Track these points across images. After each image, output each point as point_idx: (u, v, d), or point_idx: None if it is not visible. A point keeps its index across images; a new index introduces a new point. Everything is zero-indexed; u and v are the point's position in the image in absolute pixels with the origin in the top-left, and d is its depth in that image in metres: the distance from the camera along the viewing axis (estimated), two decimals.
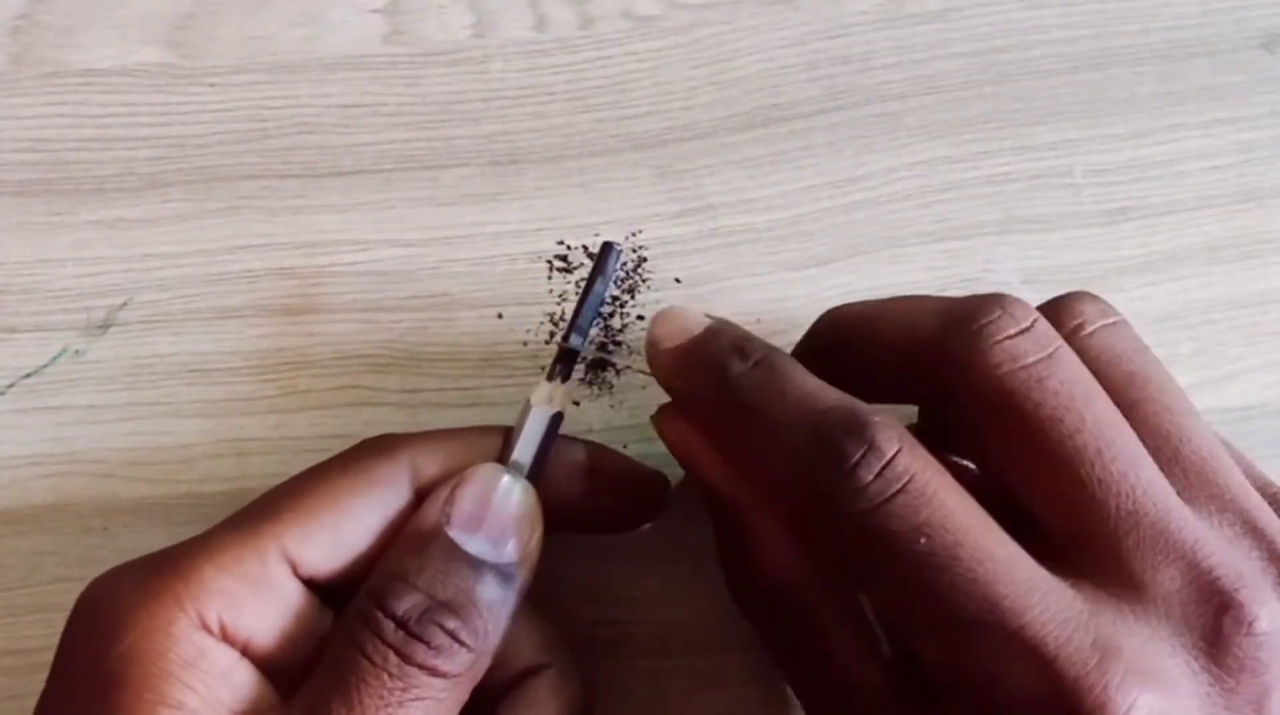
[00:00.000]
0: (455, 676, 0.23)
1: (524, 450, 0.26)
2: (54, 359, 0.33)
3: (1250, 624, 0.22)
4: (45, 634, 0.31)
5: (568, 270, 0.34)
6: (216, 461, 0.33)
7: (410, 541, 0.24)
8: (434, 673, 0.23)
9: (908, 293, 0.34)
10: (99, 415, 0.33)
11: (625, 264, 0.33)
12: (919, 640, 0.23)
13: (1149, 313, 0.34)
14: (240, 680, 0.24)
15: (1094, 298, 0.27)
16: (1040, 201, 0.35)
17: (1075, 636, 0.21)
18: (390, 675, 0.23)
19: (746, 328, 0.33)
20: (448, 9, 0.36)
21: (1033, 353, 0.24)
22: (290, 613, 0.25)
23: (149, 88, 0.35)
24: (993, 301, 0.24)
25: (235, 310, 0.34)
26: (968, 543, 0.22)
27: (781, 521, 0.26)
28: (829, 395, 0.24)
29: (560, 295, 0.34)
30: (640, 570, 0.32)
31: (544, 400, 0.27)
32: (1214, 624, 0.22)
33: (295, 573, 0.25)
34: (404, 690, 0.22)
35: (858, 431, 0.23)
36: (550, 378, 0.27)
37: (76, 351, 0.33)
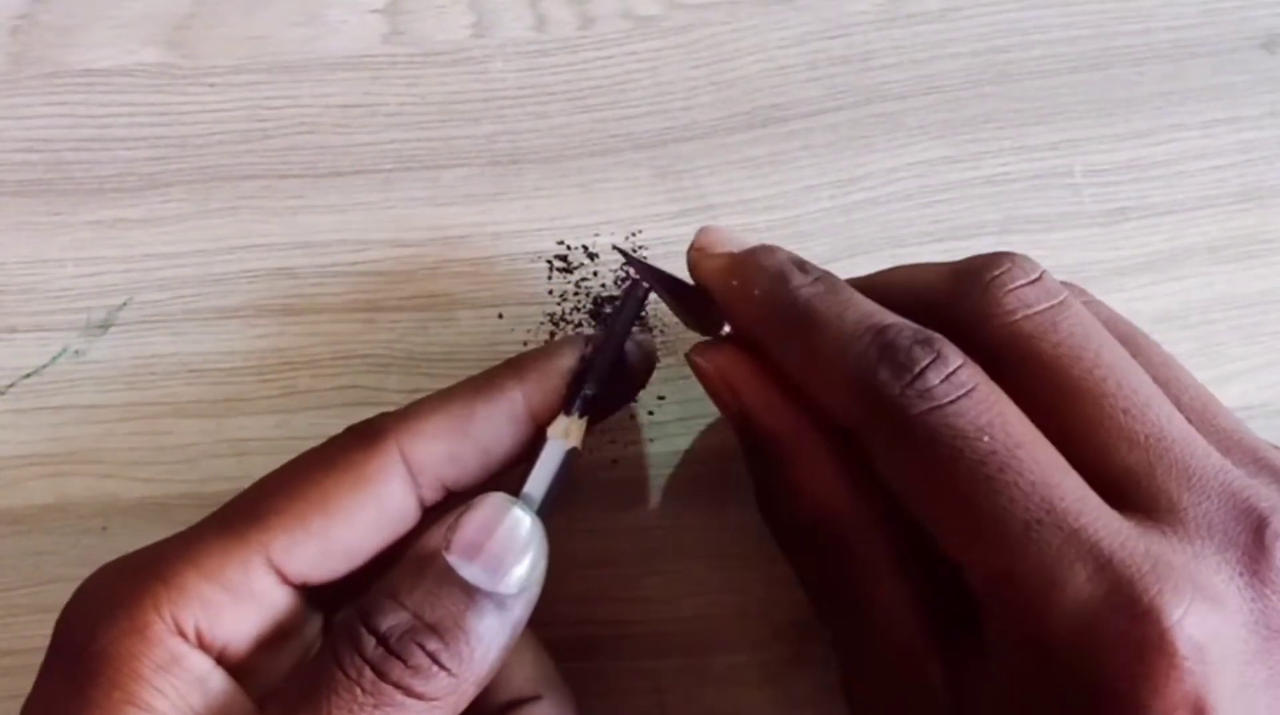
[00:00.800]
0: (432, 700, 0.23)
1: (536, 483, 0.26)
2: (54, 359, 0.33)
3: None
4: (45, 634, 0.31)
5: (568, 270, 0.34)
6: (216, 461, 0.33)
7: (408, 563, 0.24)
8: (409, 693, 0.22)
9: None
10: (99, 415, 0.33)
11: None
12: (972, 548, 0.23)
13: (1149, 313, 0.34)
14: (214, 686, 0.24)
15: (1072, 282, 0.28)
16: (1040, 201, 0.35)
17: (1129, 542, 0.22)
18: (363, 690, 0.22)
19: None
20: (448, 9, 0.36)
21: (1044, 299, 0.25)
22: (274, 620, 0.25)
23: (149, 88, 0.35)
24: (1001, 256, 0.26)
25: (235, 310, 0.34)
26: (1028, 446, 0.23)
27: (825, 448, 0.26)
28: (892, 316, 0.25)
29: (560, 295, 0.34)
30: (640, 570, 0.32)
31: (561, 434, 0.27)
32: (1254, 542, 0.22)
33: (285, 580, 0.25)
34: (375, 707, 0.22)
35: (925, 342, 0.24)
36: (568, 413, 0.27)
37: (76, 351, 0.33)
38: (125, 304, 0.34)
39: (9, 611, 0.32)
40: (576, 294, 0.34)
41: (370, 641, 0.23)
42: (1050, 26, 0.36)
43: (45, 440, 0.33)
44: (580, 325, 0.33)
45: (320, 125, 0.35)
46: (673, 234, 0.34)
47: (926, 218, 0.35)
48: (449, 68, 0.36)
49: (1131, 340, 0.26)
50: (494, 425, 0.26)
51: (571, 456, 0.27)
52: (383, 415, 0.27)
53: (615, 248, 0.28)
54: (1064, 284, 0.28)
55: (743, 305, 0.27)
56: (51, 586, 0.32)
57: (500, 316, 0.34)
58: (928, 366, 0.23)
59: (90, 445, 0.33)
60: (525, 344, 0.33)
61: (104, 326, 0.34)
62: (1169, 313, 0.34)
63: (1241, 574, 0.22)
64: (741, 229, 0.34)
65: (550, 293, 0.34)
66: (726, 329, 0.29)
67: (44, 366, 0.33)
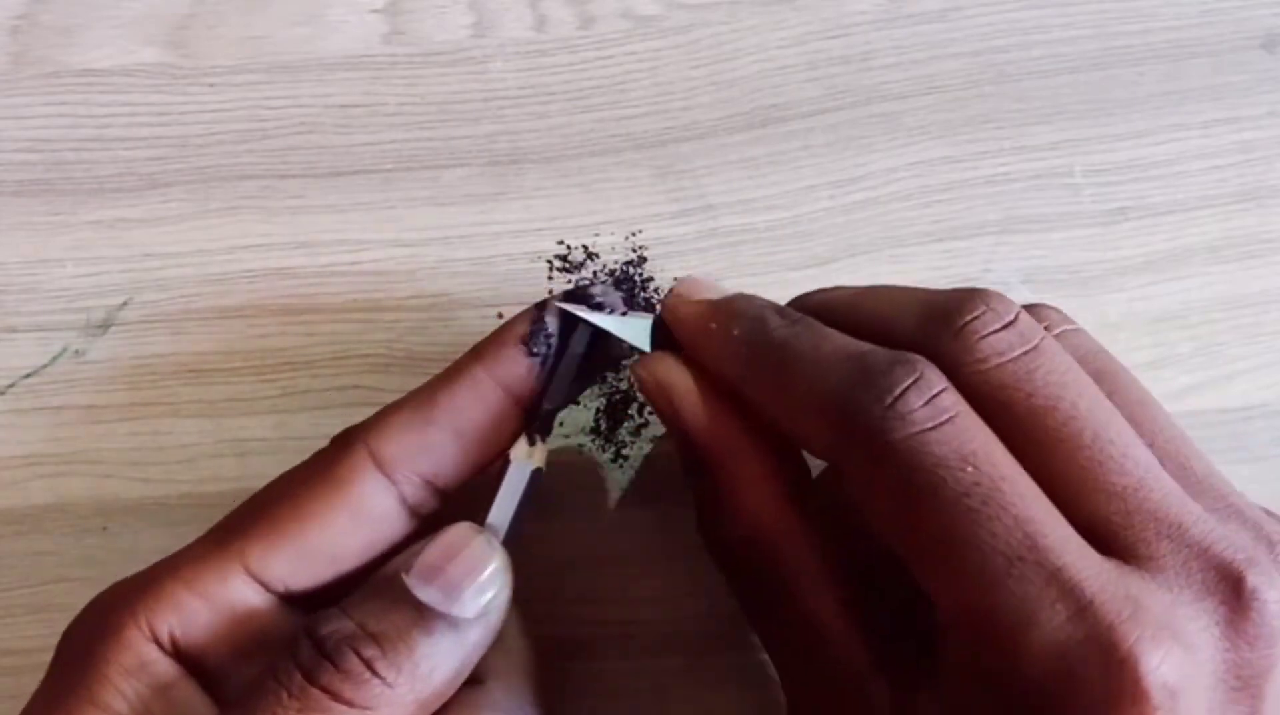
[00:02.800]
0: (363, 708, 0.22)
1: (501, 510, 0.26)
2: (54, 359, 0.33)
3: (1262, 596, 0.22)
4: (45, 634, 0.31)
5: (568, 270, 0.34)
6: (216, 461, 0.33)
7: (368, 584, 0.24)
8: (336, 698, 0.22)
9: None
10: (99, 415, 0.33)
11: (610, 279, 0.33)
12: (944, 581, 0.22)
13: (1149, 313, 0.34)
14: (179, 695, 0.24)
15: (1055, 308, 0.28)
16: (1040, 201, 0.35)
17: (1110, 585, 0.21)
18: (290, 694, 0.22)
19: None
20: (448, 9, 0.36)
21: (1019, 346, 0.24)
22: (253, 629, 0.25)
23: (149, 88, 0.35)
24: (975, 297, 0.24)
25: (235, 310, 0.34)
26: (1012, 480, 0.22)
27: (760, 463, 0.26)
28: (871, 346, 0.24)
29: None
30: (640, 570, 0.32)
31: (524, 456, 0.27)
32: (1231, 593, 0.22)
33: (268, 589, 0.25)
34: (299, 712, 0.22)
35: (907, 363, 0.23)
36: (529, 435, 0.27)
37: (76, 351, 0.33)
38: (125, 304, 0.34)
39: (9, 611, 0.32)
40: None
41: (306, 646, 0.22)
42: (1050, 26, 0.36)
43: (45, 440, 0.33)
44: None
45: (320, 125, 0.35)
46: (673, 234, 0.34)
47: (926, 218, 0.35)
48: (449, 68, 0.36)
49: (1109, 377, 0.26)
50: (458, 406, 0.26)
51: (537, 477, 0.27)
52: (351, 427, 0.27)
53: (558, 304, 0.27)
54: (1042, 309, 0.27)
55: (721, 347, 0.26)
56: (51, 586, 0.32)
57: (500, 316, 0.34)
58: (909, 387, 0.23)
59: (90, 445, 0.33)
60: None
61: (104, 326, 0.34)
62: (1169, 313, 0.34)
63: (1218, 622, 0.22)
64: (741, 229, 0.34)
65: (550, 293, 0.34)
66: None
67: (44, 366, 0.33)
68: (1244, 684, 0.22)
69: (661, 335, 0.28)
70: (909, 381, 0.23)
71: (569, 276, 0.34)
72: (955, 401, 0.23)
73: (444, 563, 0.24)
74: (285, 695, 0.22)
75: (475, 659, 0.24)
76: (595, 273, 0.34)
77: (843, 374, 0.23)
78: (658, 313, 0.28)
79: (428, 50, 0.36)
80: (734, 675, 0.31)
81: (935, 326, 0.24)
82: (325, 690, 0.22)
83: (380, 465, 0.26)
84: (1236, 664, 0.22)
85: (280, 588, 0.25)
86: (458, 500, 0.27)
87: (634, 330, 0.28)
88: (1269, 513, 0.25)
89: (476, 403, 0.26)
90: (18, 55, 0.36)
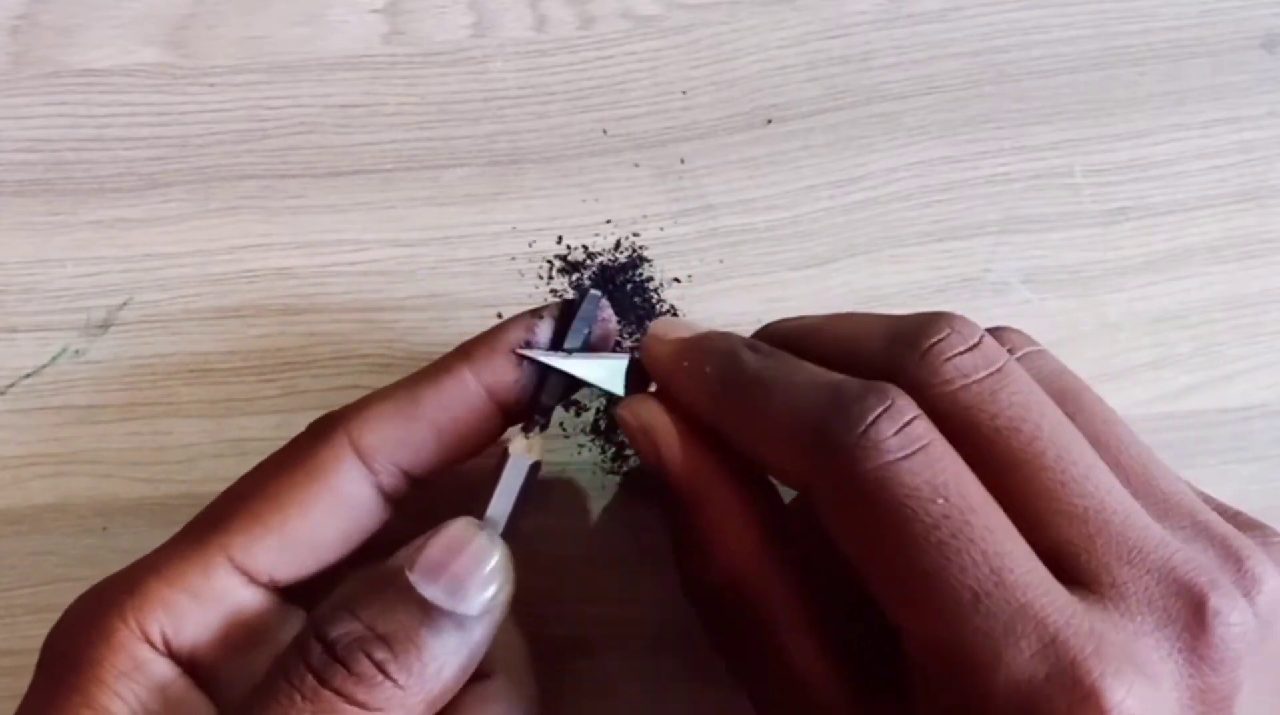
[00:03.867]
0: (375, 711, 0.22)
1: (501, 503, 0.26)
2: (54, 359, 0.33)
3: (1225, 619, 0.22)
4: (45, 634, 0.31)
5: (568, 270, 0.34)
6: (216, 461, 0.33)
7: (369, 578, 0.24)
8: (349, 700, 0.22)
9: (907, 293, 0.34)
10: (99, 415, 0.33)
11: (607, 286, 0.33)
12: (913, 615, 0.23)
13: (1149, 313, 0.34)
14: (176, 694, 0.24)
15: (1019, 330, 0.28)
16: (1040, 201, 0.35)
17: (1074, 620, 0.21)
18: (302, 697, 0.22)
19: (746, 327, 0.33)
20: (448, 9, 0.36)
21: (983, 367, 0.24)
22: (244, 622, 0.25)
23: (149, 88, 0.35)
24: (940, 320, 0.25)
25: (235, 310, 0.34)
26: (982, 512, 0.22)
27: (738, 506, 0.26)
28: (843, 376, 0.24)
29: (560, 295, 0.34)
30: (640, 570, 0.32)
31: (522, 450, 0.27)
32: (1192, 620, 0.22)
33: (253, 581, 0.25)
34: (313, 714, 0.22)
35: (879, 391, 0.23)
36: (527, 429, 0.27)
37: (76, 351, 0.33)
38: (125, 304, 0.34)
39: (9, 611, 0.32)
40: (575, 294, 0.34)
41: (316, 648, 0.22)
42: (1050, 26, 0.36)
43: (45, 440, 0.33)
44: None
45: (320, 125, 0.35)
46: (673, 234, 0.34)
47: (926, 218, 0.35)
48: (449, 68, 0.36)
49: (1073, 396, 0.26)
50: (442, 404, 0.26)
51: (534, 470, 0.27)
52: (332, 412, 0.27)
53: (523, 356, 0.27)
54: (1005, 332, 0.27)
55: (694, 384, 0.26)
56: (51, 586, 0.32)
57: (500, 316, 0.34)
58: (881, 415, 0.23)
59: (90, 445, 0.33)
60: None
61: (104, 326, 0.34)
62: (1169, 313, 0.34)
63: (1180, 650, 0.22)
64: (741, 229, 0.34)
65: (551, 293, 0.34)
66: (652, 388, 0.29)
67: (44, 366, 0.33)
68: (1211, 708, 0.22)
69: (639, 376, 0.28)
70: (880, 409, 0.23)
71: (568, 277, 0.34)
72: (927, 430, 0.23)
73: (448, 559, 0.24)
74: (298, 697, 0.22)
75: (480, 655, 0.24)
76: (580, 279, 0.34)
77: (816, 402, 0.23)
78: (634, 355, 0.28)
79: (428, 50, 0.36)
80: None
81: (901, 349, 0.24)
82: (338, 693, 0.22)
83: (359, 453, 0.26)
84: (1202, 690, 0.22)
85: (265, 578, 0.25)
86: (438, 486, 0.27)
87: (608, 372, 0.28)
88: (1242, 518, 0.25)
89: (460, 403, 0.26)
90: (18, 55, 0.36)
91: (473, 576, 0.24)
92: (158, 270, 0.34)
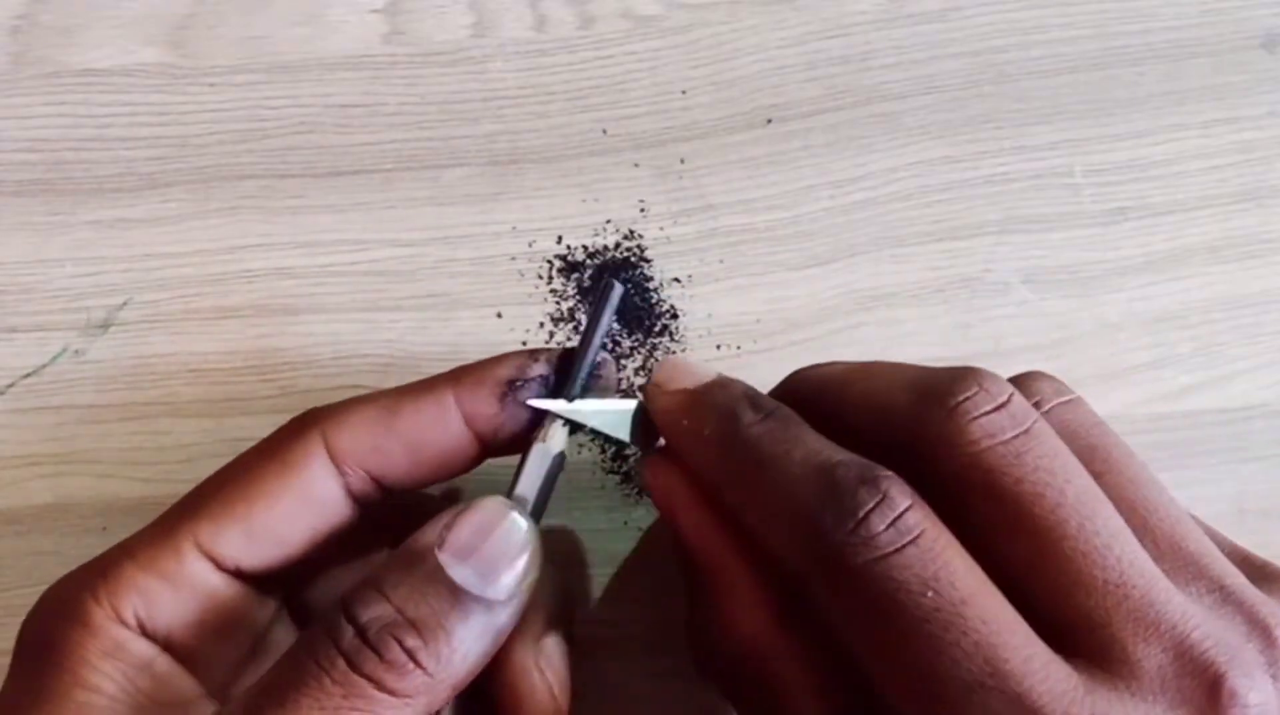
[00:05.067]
0: (405, 698, 0.22)
1: (528, 486, 0.26)
2: (54, 359, 0.33)
3: (1241, 700, 0.21)
4: None
5: (568, 270, 0.34)
6: (216, 461, 0.32)
7: (400, 557, 0.24)
8: (380, 687, 0.22)
9: (907, 293, 0.34)
10: (99, 415, 0.33)
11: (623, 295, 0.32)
12: (914, 704, 0.22)
13: (1149, 313, 0.34)
14: (161, 671, 0.24)
15: (1050, 376, 0.27)
16: (1040, 201, 0.35)
17: (1072, 710, 0.21)
18: (333, 680, 0.22)
19: (746, 327, 0.33)
20: (448, 9, 0.36)
21: (1010, 429, 0.23)
22: (215, 606, 0.25)
23: (149, 88, 0.35)
24: (969, 376, 0.24)
25: (235, 310, 0.34)
26: (974, 602, 0.22)
27: (753, 580, 0.25)
28: (841, 452, 0.24)
29: (560, 295, 0.34)
30: (640, 570, 0.32)
31: (549, 438, 0.27)
32: (1205, 703, 0.21)
33: (220, 567, 0.25)
34: (344, 698, 0.22)
35: (871, 482, 0.23)
36: (554, 417, 0.27)
37: (76, 351, 0.33)
38: (125, 304, 0.34)
39: (9, 611, 0.32)
40: (576, 294, 0.34)
41: (348, 631, 0.22)
42: (1050, 26, 0.36)
43: (45, 440, 0.33)
44: (580, 324, 0.33)
45: (320, 125, 0.35)
46: (673, 234, 0.34)
47: (926, 218, 0.35)
48: (449, 68, 0.36)
49: (1104, 454, 0.25)
50: (420, 422, 0.26)
51: (559, 462, 0.26)
52: (315, 408, 0.27)
53: (532, 403, 0.27)
54: (1038, 380, 0.27)
55: (694, 445, 0.26)
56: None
57: (500, 316, 0.34)
58: (872, 510, 0.22)
59: (90, 445, 0.33)
60: (524, 343, 0.33)
61: (104, 326, 0.34)
62: (1169, 313, 0.34)
63: None
64: (741, 229, 0.34)
65: (551, 293, 0.34)
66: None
67: (44, 366, 0.33)
68: None
69: (645, 421, 0.28)
70: (873, 503, 0.22)
71: (568, 277, 0.34)
72: (920, 520, 0.22)
73: (478, 541, 0.24)
74: (328, 680, 0.22)
75: (505, 636, 0.24)
76: (581, 278, 0.34)
77: (810, 491, 0.23)
78: (639, 402, 0.28)
79: (428, 50, 0.36)
80: None
81: (928, 407, 0.24)
82: (369, 679, 0.22)
83: (332, 454, 0.26)
84: None
85: (231, 566, 0.25)
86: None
87: (614, 420, 0.27)
88: (1270, 569, 0.24)
89: (437, 425, 0.26)
90: (18, 55, 0.36)
91: (503, 560, 0.24)
92: (158, 270, 0.34)
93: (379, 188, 0.35)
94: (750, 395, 0.26)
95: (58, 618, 0.24)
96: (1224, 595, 0.23)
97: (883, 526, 0.22)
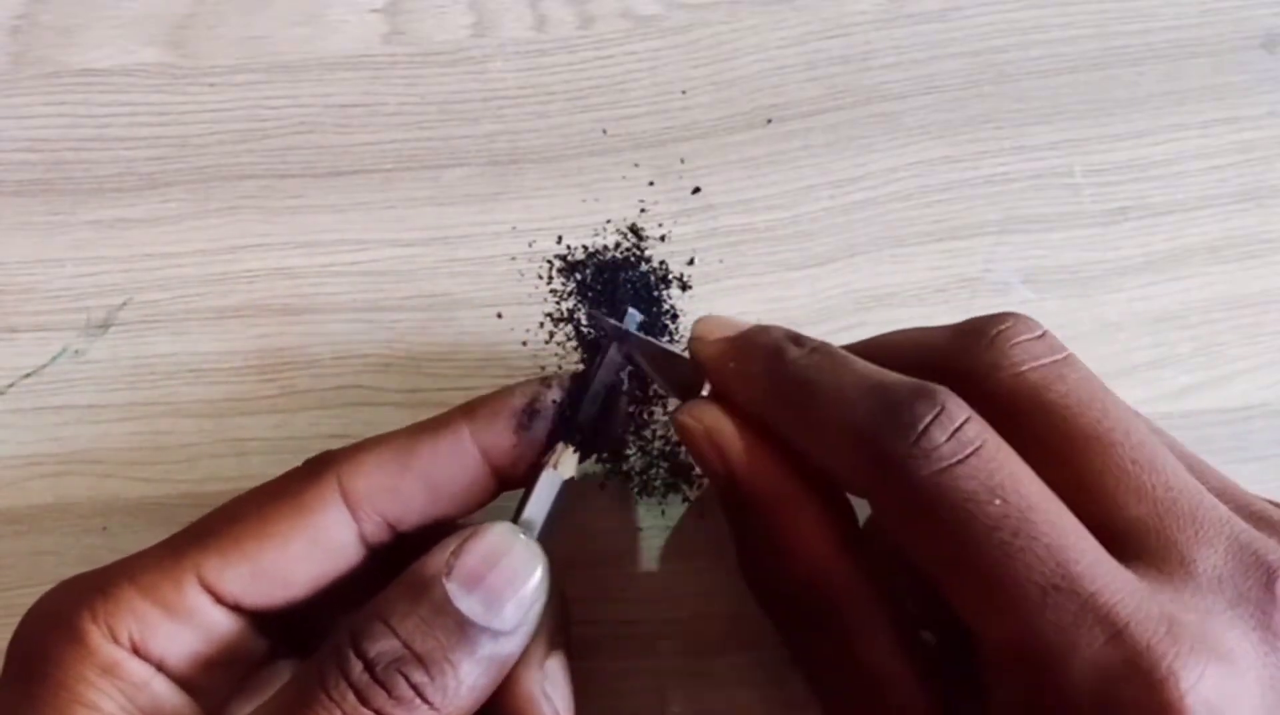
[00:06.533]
0: None
1: (536, 510, 0.26)
2: (54, 359, 0.33)
3: None
4: None
5: (568, 270, 0.34)
6: (216, 461, 0.33)
7: (405, 584, 0.24)
8: None
9: (907, 293, 0.34)
10: (99, 415, 0.33)
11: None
12: (984, 615, 0.23)
13: (1149, 313, 0.34)
14: (159, 691, 0.24)
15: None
16: (1040, 201, 0.35)
17: (1144, 606, 0.21)
18: (343, 713, 0.22)
19: None
20: (448, 9, 0.36)
21: (1049, 354, 0.25)
22: (211, 640, 0.25)
23: (149, 88, 0.35)
24: (1005, 313, 0.26)
25: (235, 310, 0.34)
26: (1040, 508, 0.22)
27: (814, 507, 0.26)
28: (890, 374, 0.24)
29: (560, 295, 0.34)
30: (640, 570, 0.32)
31: (560, 464, 0.27)
32: (1265, 595, 0.22)
33: (219, 601, 0.25)
34: None
35: (927, 396, 0.23)
36: (566, 443, 0.27)
37: (76, 351, 0.33)
38: (125, 304, 0.34)
39: (9, 611, 0.32)
40: (576, 294, 0.34)
41: (357, 665, 0.23)
42: (1050, 26, 0.36)
43: (45, 440, 0.33)
44: (580, 324, 0.33)
45: (320, 125, 0.35)
46: (673, 233, 0.34)
47: (926, 218, 0.35)
48: (449, 68, 0.36)
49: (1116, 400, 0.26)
50: (437, 460, 0.26)
51: (567, 488, 0.27)
52: (330, 451, 0.27)
53: (590, 314, 0.28)
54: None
55: (744, 384, 0.26)
56: (51, 587, 0.32)
57: (500, 316, 0.34)
58: (931, 422, 0.23)
59: (90, 445, 0.33)
60: (524, 344, 0.33)
61: (104, 326, 0.34)
62: (1169, 313, 0.34)
63: (1255, 629, 0.22)
64: (741, 229, 0.34)
65: (551, 293, 0.34)
66: (706, 390, 0.28)
67: (44, 366, 0.33)
68: None
69: (688, 379, 0.28)
70: (931, 416, 0.23)
71: (568, 277, 0.34)
72: (979, 431, 0.23)
73: (485, 569, 0.24)
74: (338, 712, 0.22)
75: (511, 664, 0.24)
76: (582, 277, 0.34)
77: (865, 409, 0.23)
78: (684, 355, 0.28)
79: (428, 50, 0.36)
80: (733, 675, 0.31)
81: (968, 339, 0.25)
82: (378, 713, 0.22)
83: (347, 499, 0.26)
84: (1279, 663, 0.22)
85: (231, 601, 0.25)
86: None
87: (662, 364, 0.28)
88: None
89: (454, 462, 0.26)
90: (18, 55, 0.36)
91: (510, 589, 0.24)
92: (158, 270, 0.34)
93: (379, 188, 0.35)
94: (792, 334, 0.26)
95: (54, 630, 0.24)
96: (1253, 517, 0.24)
97: (944, 438, 0.23)
